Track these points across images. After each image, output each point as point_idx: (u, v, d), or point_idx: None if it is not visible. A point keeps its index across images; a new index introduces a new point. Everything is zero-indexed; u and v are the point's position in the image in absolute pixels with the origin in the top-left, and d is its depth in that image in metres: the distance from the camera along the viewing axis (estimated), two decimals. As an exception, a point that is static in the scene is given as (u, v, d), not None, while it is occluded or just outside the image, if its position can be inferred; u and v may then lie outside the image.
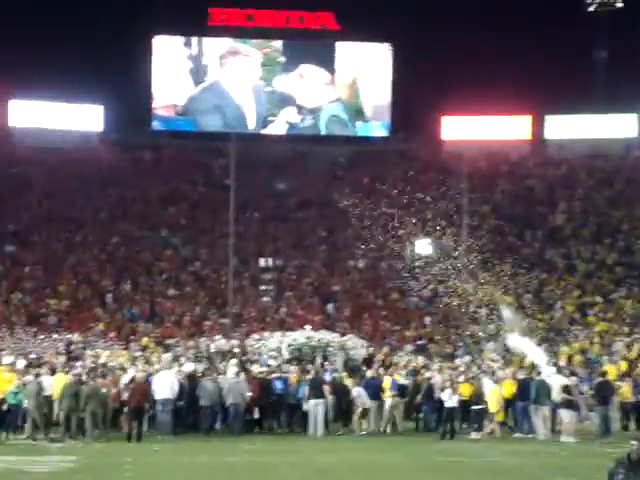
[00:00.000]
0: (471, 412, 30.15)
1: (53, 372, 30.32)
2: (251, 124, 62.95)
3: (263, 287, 50.79)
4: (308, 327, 37.12)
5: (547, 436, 29.67)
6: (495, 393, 30.24)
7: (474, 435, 29.65)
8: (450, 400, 29.65)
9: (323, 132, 63.27)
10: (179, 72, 62.78)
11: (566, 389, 29.85)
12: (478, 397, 29.93)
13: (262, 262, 52.04)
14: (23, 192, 56.93)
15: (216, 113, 62.50)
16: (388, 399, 31.09)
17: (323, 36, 62.97)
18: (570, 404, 29.65)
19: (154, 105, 62.97)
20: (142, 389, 28.67)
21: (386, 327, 47.38)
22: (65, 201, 56.59)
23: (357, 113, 63.80)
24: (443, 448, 27.66)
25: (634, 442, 16.30)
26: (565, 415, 29.50)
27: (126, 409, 29.10)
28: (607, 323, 45.76)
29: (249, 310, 48.44)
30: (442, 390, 30.33)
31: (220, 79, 62.59)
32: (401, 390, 31.14)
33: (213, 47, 62.85)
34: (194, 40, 62.94)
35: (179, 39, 63.02)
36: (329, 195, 58.41)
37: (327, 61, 63.37)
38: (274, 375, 31.61)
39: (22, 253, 52.12)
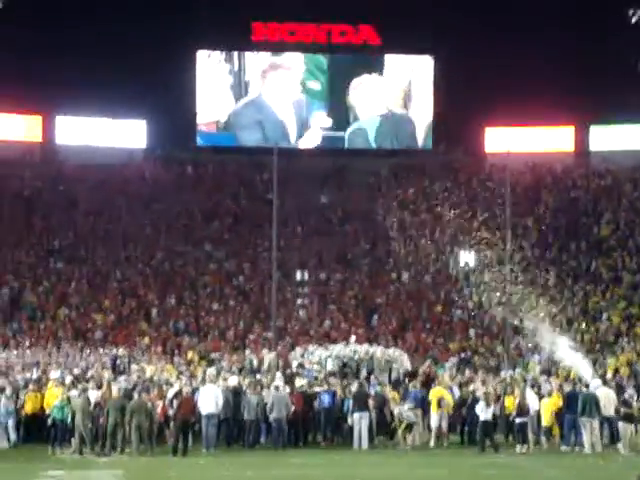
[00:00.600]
0: (515, 425, 29.94)
1: (100, 386, 30.53)
2: (293, 138, 63.15)
3: (299, 301, 50.74)
4: (352, 340, 37.05)
5: (596, 449, 29.36)
6: (547, 407, 29.99)
7: (519, 448, 29.45)
8: (484, 413, 29.49)
9: (346, 145, 63.37)
10: (221, 87, 63.16)
11: (625, 402, 29.64)
12: (522, 410, 29.73)
13: (298, 275, 51.84)
14: (69, 209, 57.51)
15: (257, 128, 62.72)
16: (433, 413, 30.93)
17: (366, 49, 63.09)
18: (630, 417, 29.43)
19: (197, 121, 63.39)
20: (188, 403, 28.81)
21: (430, 340, 47.22)
22: (110, 217, 57.07)
23: (402, 124, 63.74)
24: (489, 461, 27.47)
25: None
26: (624, 428, 29.26)
27: (172, 423, 29.23)
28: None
29: (293, 323, 48.52)
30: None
31: (262, 93, 62.86)
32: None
33: (254, 62, 63.16)
34: (235, 55, 63.26)
35: (221, 54, 63.40)
36: (372, 208, 58.49)
37: (374, 73, 63.45)
38: (321, 388, 31.57)
39: (68, 269, 52.58)
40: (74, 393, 29.26)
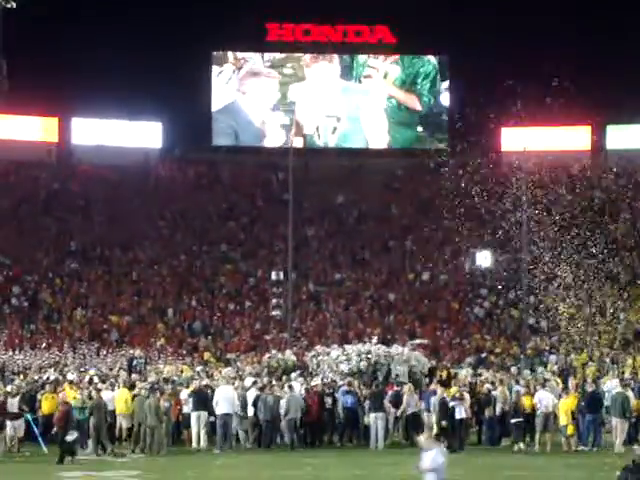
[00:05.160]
0: (509, 424, 29.70)
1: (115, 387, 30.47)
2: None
3: (274, 301, 47.58)
4: (373, 340, 36.79)
5: (619, 449, 28.97)
6: (564, 406, 29.74)
7: (516, 447, 29.24)
8: (459, 412, 29.39)
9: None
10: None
11: None
12: (516, 410, 29.55)
13: (273, 275, 48.20)
14: (85, 209, 57.58)
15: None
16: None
17: (381, 49, 62.97)
18: None
19: (213, 120, 63.27)
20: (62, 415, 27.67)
21: (447, 339, 47.09)
22: (126, 218, 57.09)
23: (415, 125, 63.67)
24: (505, 462, 27.28)
25: (636, 447, 18.19)
26: None
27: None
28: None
29: (309, 324, 48.44)
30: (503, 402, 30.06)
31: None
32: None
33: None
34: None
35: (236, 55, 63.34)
36: (387, 208, 58.38)
37: (384, 74, 63.31)
38: (342, 389, 31.36)
39: (84, 270, 52.64)
40: (91, 394, 29.21)
